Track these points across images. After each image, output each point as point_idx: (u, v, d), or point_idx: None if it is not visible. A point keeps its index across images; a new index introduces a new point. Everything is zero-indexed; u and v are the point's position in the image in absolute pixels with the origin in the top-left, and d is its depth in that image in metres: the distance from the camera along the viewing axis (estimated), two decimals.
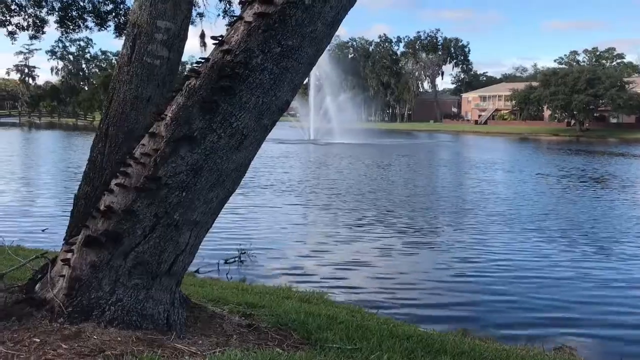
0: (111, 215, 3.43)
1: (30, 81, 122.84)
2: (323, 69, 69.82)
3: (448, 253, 12.23)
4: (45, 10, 13.01)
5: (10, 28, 12.81)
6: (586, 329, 8.04)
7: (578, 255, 12.32)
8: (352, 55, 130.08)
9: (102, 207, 3.48)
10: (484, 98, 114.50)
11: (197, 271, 9.78)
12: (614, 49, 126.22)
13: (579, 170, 32.03)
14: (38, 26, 13.17)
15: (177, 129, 3.33)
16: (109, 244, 3.43)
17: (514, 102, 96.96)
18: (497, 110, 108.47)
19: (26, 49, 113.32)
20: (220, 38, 3.41)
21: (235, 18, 3.48)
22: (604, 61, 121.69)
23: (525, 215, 16.92)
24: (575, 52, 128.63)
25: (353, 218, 15.99)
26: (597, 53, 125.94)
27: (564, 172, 30.64)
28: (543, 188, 23.69)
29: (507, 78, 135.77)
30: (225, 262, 10.73)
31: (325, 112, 70.95)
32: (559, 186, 24.51)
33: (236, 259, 10.93)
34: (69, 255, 3.64)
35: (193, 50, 64.03)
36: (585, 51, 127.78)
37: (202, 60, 3.42)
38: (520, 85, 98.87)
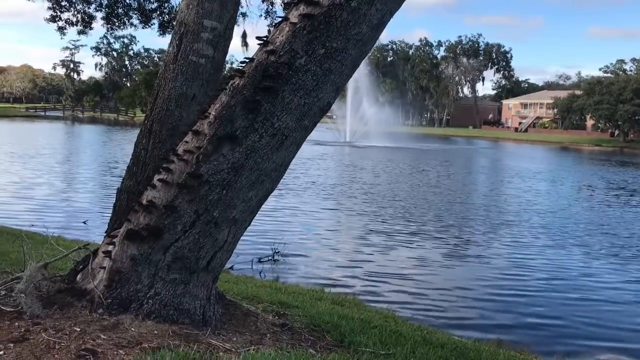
0: (153, 210, 3.48)
1: (75, 76, 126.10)
2: (362, 71, 69.61)
3: (486, 264, 11.93)
4: (93, 6, 13.33)
5: (60, 23, 13.17)
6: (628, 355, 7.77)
7: (623, 273, 11.93)
8: (392, 58, 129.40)
9: (144, 202, 3.54)
10: (525, 105, 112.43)
11: (231, 268, 9.88)
12: None
13: (626, 182, 31.06)
14: (86, 22, 13.49)
15: (220, 127, 3.36)
16: (150, 238, 3.49)
17: (555, 110, 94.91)
18: (538, 118, 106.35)
19: (72, 44, 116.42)
20: (264, 38, 3.42)
21: (279, 19, 3.49)
22: None
23: (570, 229, 16.34)
24: (622, 61, 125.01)
25: (388, 224, 15.84)
26: None
27: (611, 184, 29.65)
28: (589, 201, 22.85)
29: (549, 86, 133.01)
30: (259, 261, 10.81)
31: (362, 114, 70.78)
32: (606, 199, 23.62)
33: (270, 258, 11.00)
34: (110, 247, 3.72)
35: (234, 49, 64.72)
36: (633, 60, 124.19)
37: (247, 60, 3.45)
38: (563, 94, 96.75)
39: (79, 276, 3.90)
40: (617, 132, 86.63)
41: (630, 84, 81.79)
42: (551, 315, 8.92)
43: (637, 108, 78.92)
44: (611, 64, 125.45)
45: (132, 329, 3.32)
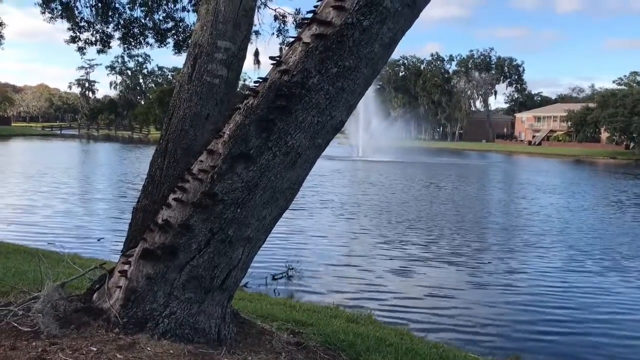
0: (168, 229, 3.51)
1: (90, 95, 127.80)
2: (374, 87, 69.83)
3: (502, 281, 11.70)
4: (111, 26, 13.60)
5: (80, 44, 13.46)
6: None
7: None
8: (404, 73, 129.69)
9: (159, 221, 3.57)
10: (538, 118, 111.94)
11: (245, 285, 9.87)
12: None
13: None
14: (105, 41, 13.76)
15: (235, 146, 3.39)
16: (165, 257, 3.51)
17: (569, 123, 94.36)
18: (552, 131, 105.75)
19: (87, 64, 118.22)
20: (278, 58, 3.46)
21: (291, 37, 3.53)
22: None
23: (591, 246, 15.90)
24: (635, 73, 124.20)
25: (403, 241, 15.68)
26: None
27: (630, 198, 29.18)
28: (610, 217, 22.08)
29: (562, 98, 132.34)
30: (274, 278, 10.80)
31: (374, 129, 70.89)
32: (627, 215, 23.18)
33: (284, 275, 10.99)
34: (126, 266, 3.74)
35: (247, 67, 65.38)
36: None
37: (260, 80, 3.49)
38: (577, 106, 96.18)
39: (95, 295, 3.92)
40: (632, 144, 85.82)
41: None
42: (569, 333, 8.78)
43: None
44: (625, 76, 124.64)
45: (148, 348, 3.32)
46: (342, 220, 18.89)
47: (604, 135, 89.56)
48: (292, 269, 11.18)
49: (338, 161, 49.85)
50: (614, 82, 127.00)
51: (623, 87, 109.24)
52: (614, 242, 16.24)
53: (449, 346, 6.29)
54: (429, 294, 10.57)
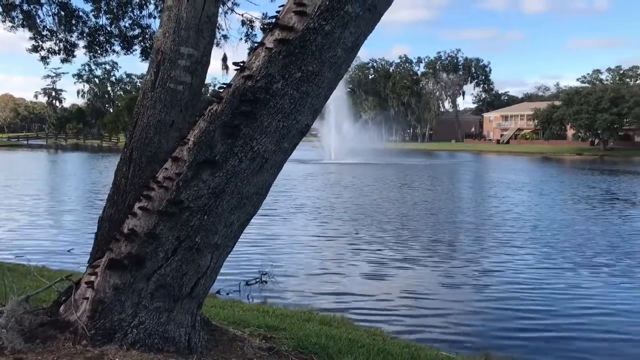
0: (134, 239, 3.48)
1: (57, 104, 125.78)
2: (344, 90, 70.16)
3: (474, 280, 11.81)
4: (75, 34, 13.38)
5: (42, 53, 13.21)
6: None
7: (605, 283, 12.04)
8: (373, 75, 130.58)
9: (125, 230, 3.53)
10: (505, 117, 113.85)
11: (218, 292, 9.81)
12: (637, 67, 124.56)
13: (613, 191, 31.31)
14: (69, 50, 13.54)
15: (200, 153, 3.38)
16: (132, 267, 3.48)
17: (536, 121, 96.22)
18: (519, 129, 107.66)
19: (53, 72, 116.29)
20: (241, 64, 3.46)
21: (256, 44, 3.54)
22: (627, 80, 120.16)
23: (562, 242, 16.21)
24: (598, 71, 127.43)
25: (374, 242, 15.79)
26: (621, 71, 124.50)
27: (597, 193, 29.82)
28: (580, 213, 22.39)
29: (529, 97, 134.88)
30: (247, 284, 10.74)
31: (346, 132, 71.17)
32: (596, 210, 23.67)
33: (257, 280, 10.94)
34: (92, 277, 3.69)
35: (215, 72, 64.96)
36: (609, 70, 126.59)
37: (224, 86, 3.48)
38: (543, 105, 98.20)
39: (62, 308, 3.86)
40: (597, 140, 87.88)
41: (607, 93, 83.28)
42: (541, 330, 8.93)
43: (615, 117, 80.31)
44: (588, 74, 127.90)
45: (117, 359, 3.29)
46: (316, 224, 18.90)
47: (570, 132, 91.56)
48: (266, 274, 11.13)
49: (311, 165, 49.91)
50: (578, 80, 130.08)
51: (587, 85, 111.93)
52: (584, 239, 16.55)
53: (422, 345, 6.35)
54: (402, 295, 10.65)
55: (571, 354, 7.91)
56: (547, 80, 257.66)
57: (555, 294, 10.83)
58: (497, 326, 9.00)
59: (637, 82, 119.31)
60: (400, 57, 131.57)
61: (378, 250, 14.58)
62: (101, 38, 13.58)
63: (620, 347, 8.23)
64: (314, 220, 19.60)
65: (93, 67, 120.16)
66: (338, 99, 71.59)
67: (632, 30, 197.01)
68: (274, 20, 3.43)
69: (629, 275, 12.26)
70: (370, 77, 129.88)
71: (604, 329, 8.94)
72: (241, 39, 13.81)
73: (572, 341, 8.42)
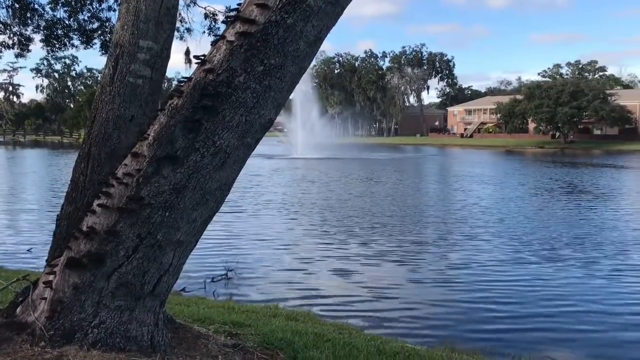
0: (93, 237, 3.39)
1: (15, 99, 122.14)
2: (310, 84, 70.13)
3: (441, 275, 11.89)
4: (30, 28, 13.00)
5: None
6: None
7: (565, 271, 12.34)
8: (339, 70, 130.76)
9: (84, 228, 3.44)
10: (469, 111, 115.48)
11: (183, 290, 9.69)
12: (596, 62, 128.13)
13: (575, 183, 32.09)
14: (23, 44, 13.16)
15: (160, 148, 3.31)
16: (92, 266, 3.40)
17: (499, 115, 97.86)
18: (482, 123, 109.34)
19: (10, 67, 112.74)
20: (202, 57, 3.40)
21: (218, 37, 3.48)
22: (586, 74, 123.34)
23: (528, 235, 16.62)
24: (558, 65, 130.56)
25: (341, 237, 15.81)
26: (580, 66, 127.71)
27: (562, 187, 30.55)
28: (544, 205, 22.83)
29: (492, 91, 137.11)
30: (212, 281, 10.65)
31: (312, 127, 71.20)
32: (561, 203, 24.19)
33: (223, 277, 10.86)
34: (51, 277, 3.60)
35: (179, 66, 64.13)
36: (569, 64, 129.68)
37: (185, 80, 3.42)
38: (505, 99, 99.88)
39: (19, 309, 3.75)
40: (557, 134, 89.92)
41: (567, 87, 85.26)
42: (506, 322, 9.08)
43: (574, 110, 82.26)
44: (549, 68, 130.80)
45: None
46: (282, 220, 18.85)
47: (532, 125, 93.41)
48: (232, 270, 11.06)
49: (277, 160, 49.79)
50: (539, 74, 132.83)
51: (547, 79, 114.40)
52: (548, 231, 16.89)
53: (388, 337, 6.40)
54: (369, 289, 10.70)
55: (535, 346, 8.06)
56: (509, 74, 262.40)
57: (520, 286, 11.02)
58: (463, 319, 9.12)
59: (596, 76, 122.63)
60: (365, 52, 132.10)
61: (344, 245, 14.62)
62: (59, 32, 13.22)
63: (583, 337, 8.44)
64: (280, 216, 19.55)
65: (52, 61, 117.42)
66: (304, 94, 71.57)
67: (591, 26, 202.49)
68: (235, 13, 3.38)
69: (591, 266, 12.58)
70: (336, 71, 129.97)
71: (568, 319, 9.14)
72: (204, 32, 13.69)
73: (535, 332, 8.59)
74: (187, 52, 13.46)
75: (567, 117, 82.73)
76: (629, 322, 9.09)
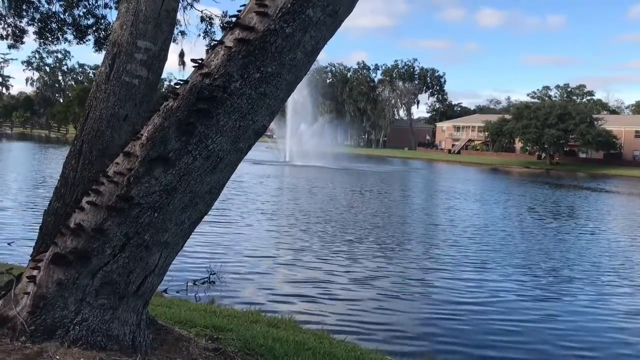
0: (81, 233, 3.39)
1: (4, 91, 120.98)
2: (301, 92, 70.28)
3: (421, 288, 11.97)
4: (25, 20, 12.93)
5: None
6: None
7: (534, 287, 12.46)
8: (331, 80, 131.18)
9: (72, 225, 3.44)
10: (457, 128, 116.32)
11: (165, 291, 9.64)
12: (584, 86, 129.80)
13: (562, 206, 32.38)
14: (17, 36, 13.07)
15: (153, 149, 3.33)
16: (77, 263, 3.39)
17: (486, 133, 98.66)
18: (470, 140, 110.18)
19: (1, 58, 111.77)
20: (200, 61, 3.43)
21: (215, 41, 3.51)
22: (574, 97, 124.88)
23: (500, 249, 16.93)
24: (547, 87, 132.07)
25: (325, 243, 15.92)
26: (569, 89, 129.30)
27: (547, 206, 30.81)
28: (527, 225, 23.12)
29: (481, 109, 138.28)
30: (194, 283, 10.61)
31: (301, 134, 71.29)
32: (544, 222, 24.55)
33: (206, 280, 10.81)
34: (35, 272, 3.58)
35: (172, 68, 64.03)
36: (557, 87, 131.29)
37: (181, 82, 3.44)
38: (494, 117, 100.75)
39: (0, 303, 3.72)
40: (543, 154, 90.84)
41: (555, 109, 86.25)
42: (483, 335, 9.17)
43: (561, 132, 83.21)
44: (538, 89, 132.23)
45: (57, 356, 3.19)
46: (267, 225, 18.83)
47: (518, 145, 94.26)
48: (215, 274, 11.02)
49: (265, 165, 49.70)
50: (528, 95, 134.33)
51: (536, 100, 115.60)
52: (528, 249, 17.09)
53: (367, 348, 6.42)
54: (349, 299, 10.73)
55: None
56: (499, 93, 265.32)
57: (500, 301, 11.13)
58: (440, 332, 9.19)
59: (584, 100, 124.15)
60: (358, 63, 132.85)
61: (327, 254, 14.64)
62: (53, 25, 13.16)
63: (558, 353, 8.53)
64: (265, 221, 19.53)
65: (44, 54, 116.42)
66: (295, 102, 71.68)
67: (581, 50, 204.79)
68: (234, 19, 3.41)
69: (569, 285, 12.72)
70: (328, 81, 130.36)
71: (543, 335, 9.25)
72: (199, 35, 13.66)
73: (510, 347, 8.67)
74: (182, 54, 13.44)
75: (553, 139, 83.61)
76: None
